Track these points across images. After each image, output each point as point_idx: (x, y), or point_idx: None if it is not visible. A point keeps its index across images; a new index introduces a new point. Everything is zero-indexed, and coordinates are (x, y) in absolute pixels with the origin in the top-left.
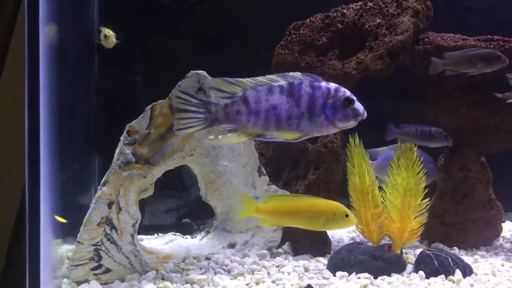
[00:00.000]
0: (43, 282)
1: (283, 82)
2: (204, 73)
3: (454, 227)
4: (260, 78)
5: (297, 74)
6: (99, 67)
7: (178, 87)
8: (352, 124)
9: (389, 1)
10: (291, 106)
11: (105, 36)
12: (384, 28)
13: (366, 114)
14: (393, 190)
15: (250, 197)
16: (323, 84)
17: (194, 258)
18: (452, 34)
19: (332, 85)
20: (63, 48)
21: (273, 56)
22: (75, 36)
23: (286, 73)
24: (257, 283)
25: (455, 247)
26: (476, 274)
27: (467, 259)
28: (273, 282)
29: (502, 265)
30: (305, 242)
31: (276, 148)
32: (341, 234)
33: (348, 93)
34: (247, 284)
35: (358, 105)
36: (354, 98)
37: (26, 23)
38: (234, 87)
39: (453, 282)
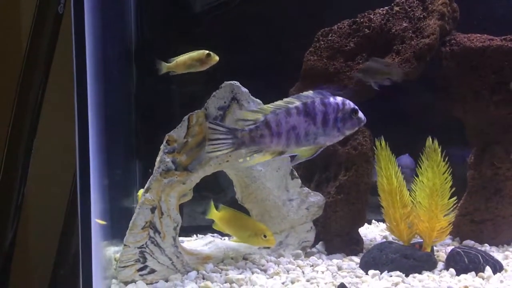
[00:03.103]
0: (95, 283)
1: (298, 103)
2: (237, 83)
3: (485, 224)
4: (278, 102)
5: (309, 93)
6: (136, 76)
7: (213, 97)
8: (355, 130)
9: (415, 5)
10: (308, 125)
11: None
12: (410, 31)
13: (365, 120)
14: (420, 190)
15: (212, 205)
16: (332, 100)
17: (232, 258)
18: (479, 35)
19: (339, 99)
20: (106, 59)
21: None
22: (116, 46)
23: (300, 93)
24: (292, 282)
25: (486, 244)
26: (506, 271)
27: (498, 255)
28: (308, 281)
29: None
30: (338, 241)
31: None
32: (374, 233)
33: (352, 104)
34: (283, 283)
35: (361, 114)
36: (357, 108)
37: (73, 35)
38: (257, 114)
39: (483, 279)
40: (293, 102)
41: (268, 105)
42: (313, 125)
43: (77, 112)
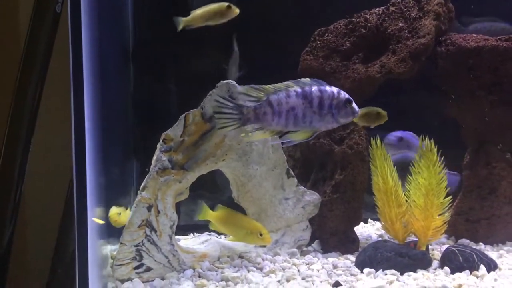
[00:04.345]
0: (91, 281)
1: (297, 88)
2: (233, 82)
3: (480, 223)
4: (278, 85)
5: (307, 80)
6: (134, 75)
7: (209, 95)
8: (349, 120)
9: (411, 5)
10: (305, 107)
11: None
12: (406, 31)
13: (359, 112)
14: (415, 190)
15: (206, 205)
16: (328, 88)
17: (228, 256)
18: (474, 35)
19: (334, 89)
20: (103, 57)
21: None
22: (113, 44)
23: (299, 79)
24: (288, 280)
25: (481, 243)
26: (500, 269)
27: (492, 254)
28: (303, 279)
29: None
30: (333, 240)
31: (304, 150)
32: (370, 232)
33: (347, 95)
34: (278, 281)
35: (355, 105)
36: (351, 99)
37: (70, 33)
38: (259, 92)
39: (477, 277)
40: (292, 85)
41: (270, 85)
42: (310, 108)
43: (74, 111)
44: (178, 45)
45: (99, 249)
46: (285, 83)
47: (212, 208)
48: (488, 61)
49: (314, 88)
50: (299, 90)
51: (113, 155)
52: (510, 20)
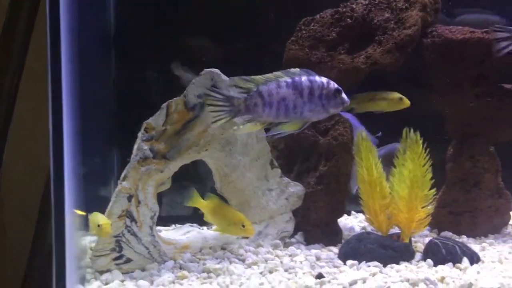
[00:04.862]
0: (69, 272)
1: (287, 78)
2: (217, 71)
3: (463, 216)
4: (268, 75)
5: (296, 70)
6: (116, 62)
7: (193, 84)
8: (339, 110)
9: None
10: (296, 98)
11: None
12: (392, 22)
13: (348, 101)
14: (400, 182)
15: (197, 193)
16: (317, 78)
17: (210, 248)
18: (460, 27)
19: (324, 79)
20: (83, 43)
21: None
22: (94, 30)
23: (288, 69)
24: (270, 272)
25: (463, 236)
26: (483, 262)
27: (475, 247)
28: (286, 270)
29: (509, 253)
30: (317, 232)
31: (288, 141)
32: (353, 224)
33: (336, 85)
34: (261, 273)
35: (344, 95)
36: (341, 88)
37: (48, 18)
38: (249, 83)
39: (460, 270)
40: (282, 76)
41: (259, 76)
42: (300, 98)
43: (51, 99)
44: (161, 31)
45: (78, 240)
46: (275, 73)
47: (203, 197)
48: (474, 53)
49: (304, 78)
50: (289, 80)
51: (93, 145)
52: (499, 12)
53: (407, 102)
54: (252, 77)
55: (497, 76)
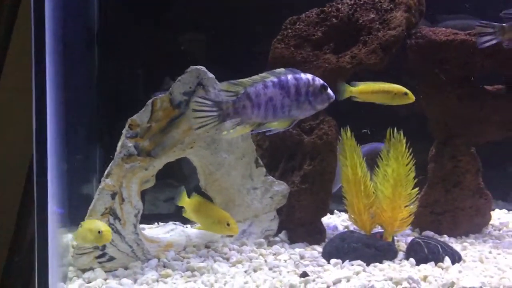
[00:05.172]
0: (51, 270)
1: (273, 78)
2: (203, 68)
3: (444, 215)
4: (254, 77)
5: (282, 70)
6: (99, 59)
7: (178, 81)
8: (325, 106)
9: None
10: (283, 97)
11: None
12: (377, 23)
13: (334, 97)
14: (384, 181)
15: (185, 191)
16: (303, 75)
17: (194, 246)
18: (444, 29)
19: (309, 76)
20: (67, 39)
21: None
22: (77, 26)
23: (273, 70)
24: (255, 270)
25: (445, 235)
26: (464, 261)
27: (456, 246)
28: (270, 269)
29: (490, 252)
30: (301, 231)
31: (273, 140)
32: (336, 223)
33: (321, 81)
34: (245, 271)
35: (330, 90)
36: (326, 84)
37: (32, 12)
38: (237, 87)
39: (442, 269)
40: (268, 76)
41: (246, 78)
42: (287, 97)
43: (35, 94)
44: (145, 28)
45: (60, 237)
46: (261, 74)
47: (188, 195)
48: (457, 55)
49: (290, 77)
50: (275, 80)
51: (76, 141)
52: (482, 17)
53: (412, 97)
54: (239, 80)
55: (479, 78)
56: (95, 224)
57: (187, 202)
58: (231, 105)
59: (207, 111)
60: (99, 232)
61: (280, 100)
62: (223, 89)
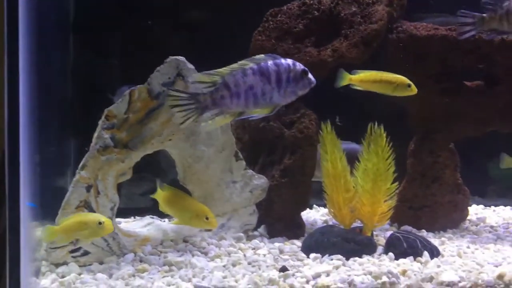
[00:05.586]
0: (23, 264)
1: (253, 65)
2: (182, 58)
3: (422, 210)
4: (233, 65)
5: (261, 56)
6: (74, 49)
7: (157, 72)
8: (307, 91)
9: None
10: (264, 84)
11: None
12: (359, 16)
13: (315, 82)
14: (364, 175)
15: (160, 184)
16: (283, 61)
17: (171, 240)
18: (425, 24)
19: (289, 61)
20: (40, 29)
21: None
22: (51, 16)
23: (253, 57)
24: (233, 265)
25: (423, 230)
26: (443, 256)
27: (435, 241)
28: (249, 263)
29: (468, 247)
30: (280, 225)
31: (253, 133)
32: (315, 217)
33: (302, 66)
34: (224, 266)
35: (310, 75)
36: (307, 69)
37: (5, 3)
38: (214, 76)
39: (421, 263)
40: (247, 64)
41: (224, 68)
42: (268, 84)
43: (7, 84)
44: (123, 16)
45: (32, 231)
46: (239, 62)
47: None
48: (438, 50)
49: (270, 63)
50: (255, 67)
51: (50, 133)
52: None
53: (414, 89)
54: (217, 70)
55: (459, 73)
56: (92, 216)
57: (159, 194)
58: (208, 96)
59: (183, 105)
60: (99, 223)
61: (261, 87)
62: (197, 80)
